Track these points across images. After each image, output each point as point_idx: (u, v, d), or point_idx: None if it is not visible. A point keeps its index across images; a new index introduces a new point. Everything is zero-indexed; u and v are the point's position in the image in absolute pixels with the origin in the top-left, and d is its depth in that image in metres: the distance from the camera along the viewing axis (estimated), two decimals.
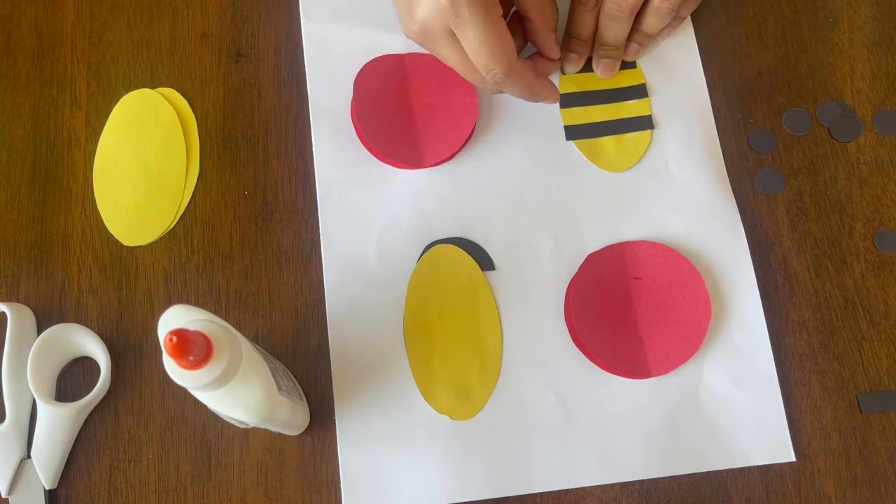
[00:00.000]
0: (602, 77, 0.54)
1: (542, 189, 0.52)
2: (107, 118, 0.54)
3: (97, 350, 0.48)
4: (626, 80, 0.54)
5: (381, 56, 0.54)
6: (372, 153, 0.53)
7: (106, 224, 0.52)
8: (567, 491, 0.47)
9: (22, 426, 0.47)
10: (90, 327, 0.50)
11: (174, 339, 0.32)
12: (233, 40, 0.56)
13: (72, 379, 0.49)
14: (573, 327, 0.49)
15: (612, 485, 0.48)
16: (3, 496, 0.46)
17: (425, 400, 0.48)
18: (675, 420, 0.48)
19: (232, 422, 0.43)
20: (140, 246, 0.52)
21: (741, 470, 0.48)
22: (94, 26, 0.56)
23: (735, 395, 0.49)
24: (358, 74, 0.53)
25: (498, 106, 0.54)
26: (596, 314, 0.49)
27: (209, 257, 0.51)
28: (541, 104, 0.53)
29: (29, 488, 0.46)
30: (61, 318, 0.50)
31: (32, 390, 0.46)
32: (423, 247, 0.51)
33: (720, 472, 0.48)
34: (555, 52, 0.51)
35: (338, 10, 0.56)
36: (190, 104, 0.54)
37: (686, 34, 0.56)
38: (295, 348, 0.50)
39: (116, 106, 0.54)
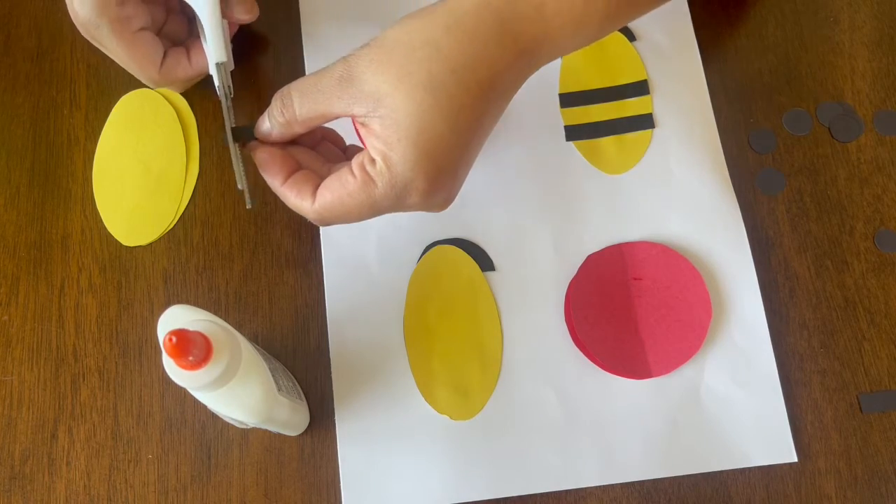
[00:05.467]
0: None
1: (542, 189, 0.52)
2: (106, 118, 0.54)
3: None
4: (628, 75, 0.54)
5: None
6: None
7: (105, 224, 0.52)
8: (567, 491, 0.47)
9: None
10: (90, 327, 0.50)
11: (174, 339, 0.33)
12: (232, 40, 0.55)
13: None
14: (573, 327, 0.49)
15: (613, 485, 0.47)
16: None
17: (425, 400, 0.48)
18: (676, 420, 0.48)
19: (232, 422, 0.43)
20: (140, 246, 0.52)
21: (742, 470, 0.48)
22: None
23: (736, 396, 0.49)
24: None
25: None
26: (596, 314, 0.49)
27: (209, 257, 0.51)
28: (542, 105, 0.53)
29: None
30: (61, 319, 0.50)
31: None
32: (423, 247, 0.51)
33: (721, 472, 0.48)
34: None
35: (338, 10, 0.55)
36: (190, 104, 0.54)
37: (686, 34, 0.55)
38: (295, 348, 0.50)
39: (116, 106, 0.54)
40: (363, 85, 0.38)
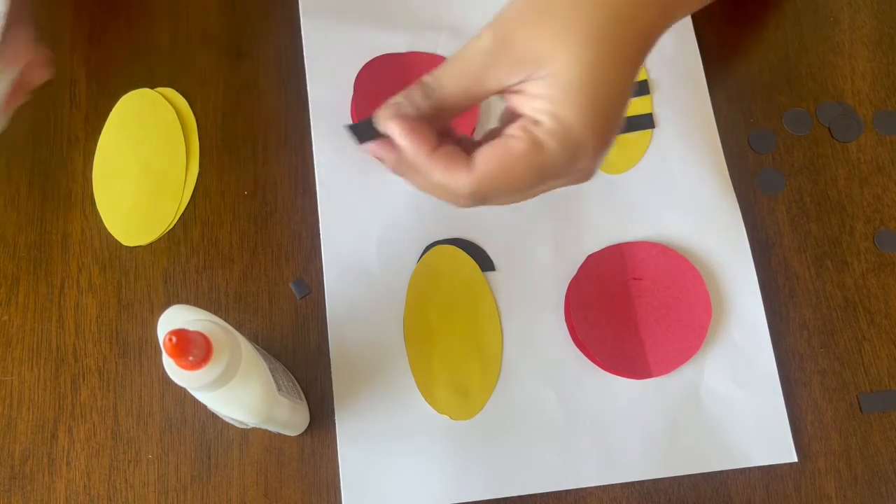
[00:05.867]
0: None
1: None
2: (106, 118, 0.54)
3: None
4: None
5: (382, 55, 0.54)
6: None
7: (105, 224, 0.52)
8: (567, 491, 0.47)
9: None
10: (90, 327, 0.50)
11: (174, 339, 0.32)
12: (233, 40, 0.55)
13: None
14: (573, 327, 0.49)
15: (613, 485, 0.47)
16: None
17: (425, 400, 0.48)
18: (676, 420, 0.48)
19: (232, 422, 0.43)
20: (140, 246, 0.52)
21: (742, 470, 0.48)
22: (93, 26, 0.56)
23: (736, 396, 0.49)
24: (358, 74, 0.53)
25: (498, 107, 0.54)
26: (596, 314, 0.49)
27: (209, 257, 0.51)
28: None
29: None
30: (61, 318, 0.50)
31: None
32: (424, 247, 0.51)
33: (721, 472, 0.48)
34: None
35: (338, 10, 0.55)
36: (190, 104, 0.54)
37: (687, 34, 0.55)
38: (295, 348, 0.50)
39: (116, 106, 0.54)
40: (517, 50, 0.34)
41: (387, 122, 0.35)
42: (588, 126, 0.34)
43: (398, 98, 0.36)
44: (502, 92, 0.35)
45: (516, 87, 0.35)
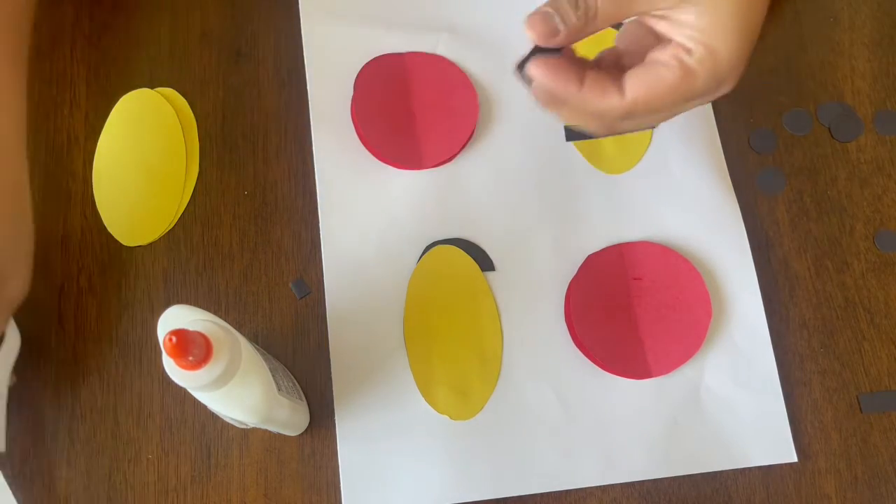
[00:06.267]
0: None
1: (542, 189, 0.52)
2: (106, 118, 0.54)
3: None
4: None
5: (382, 55, 0.54)
6: (372, 153, 0.53)
7: (105, 224, 0.52)
8: (567, 491, 0.47)
9: None
10: (90, 327, 0.50)
11: (174, 339, 0.32)
12: (233, 40, 0.55)
13: None
14: (573, 327, 0.49)
15: (613, 485, 0.47)
16: None
17: (425, 400, 0.48)
18: (676, 420, 0.48)
19: (231, 422, 0.43)
20: (140, 246, 0.52)
21: (742, 470, 0.48)
22: (93, 26, 0.56)
23: (736, 396, 0.49)
24: (358, 74, 0.53)
25: (498, 107, 0.54)
26: (596, 314, 0.49)
27: (209, 257, 0.51)
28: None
29: None
30: (61, 319, 0.50)
31: None
32: (423, 247, 0.51)
33: (721, 472, 0.48)
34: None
35: (338, 10, 0.55)
36: (190, 104, 0.54)
37: None
38: (295, 348, 0.50)
39: (116, 106, 0.54)
40: None
41: (531, 70, 0.37)
42: (736, 56, 0.36)
43: (547, 7, 0.36)
44: (644, 14, 0.37)
45: (663, 13, 0.36)
